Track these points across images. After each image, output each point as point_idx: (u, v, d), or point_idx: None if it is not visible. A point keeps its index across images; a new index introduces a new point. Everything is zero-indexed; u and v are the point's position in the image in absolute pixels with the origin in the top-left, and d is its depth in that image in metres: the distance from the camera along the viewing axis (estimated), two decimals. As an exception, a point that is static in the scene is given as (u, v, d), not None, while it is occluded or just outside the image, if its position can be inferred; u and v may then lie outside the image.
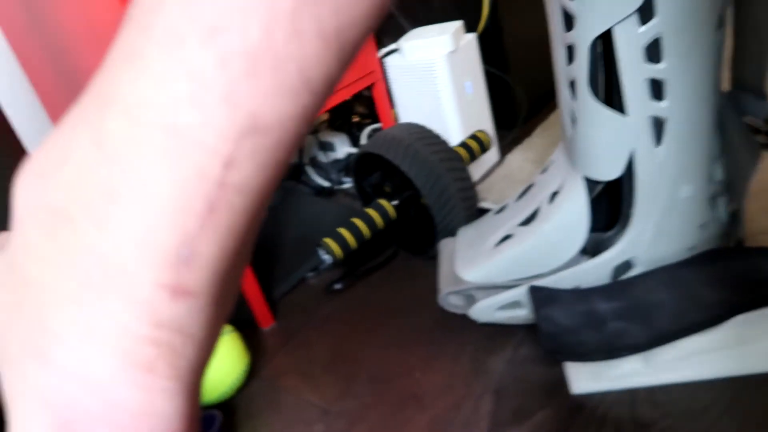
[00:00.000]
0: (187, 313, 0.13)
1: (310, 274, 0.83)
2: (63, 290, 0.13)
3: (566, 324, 0.54)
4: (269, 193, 0.14)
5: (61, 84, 0.72)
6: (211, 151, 0.12)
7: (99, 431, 0.13)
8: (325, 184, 1.07)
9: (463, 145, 0.83)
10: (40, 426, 0.13)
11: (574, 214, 0.59)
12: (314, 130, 1.10)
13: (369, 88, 0.90)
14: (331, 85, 0.14)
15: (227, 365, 0.62)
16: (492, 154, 0.97)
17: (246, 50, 0.12)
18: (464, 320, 0.65)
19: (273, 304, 0.78)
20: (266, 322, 0.75)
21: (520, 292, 0.60)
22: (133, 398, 0.13)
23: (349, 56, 0.14)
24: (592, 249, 0.60)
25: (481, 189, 0.91)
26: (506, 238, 0.64)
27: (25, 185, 0.14)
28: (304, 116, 0.13)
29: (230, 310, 0.16)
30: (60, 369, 0.13)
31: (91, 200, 0.13)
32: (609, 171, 0.55)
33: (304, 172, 1.10)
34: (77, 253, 0.13)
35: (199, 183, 0.12)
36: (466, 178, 0.75)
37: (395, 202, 0.78)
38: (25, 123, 0.73)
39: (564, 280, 0.59)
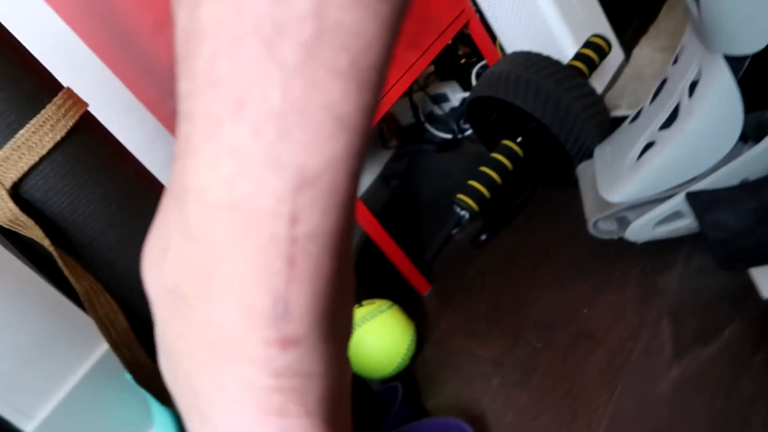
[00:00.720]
0: (299, 358, 0.14)
1: (454, 231, 0.83)
2: (197, 359, 0.15)
3: (738, 226, 0.48)
4: (344, 228, 0.14)
5: (138, 69, 0.77)
6: (273, 215, 0.13)
7: None
8: (448, 136, 1.05)
9: (579, 57, 0.76)
10: None
11: (722, 100, 0.51)
12: (423, 86, 1.09)
13: (466, 26, 0.86)
14: (367, 113, 0.14)
15: (395, 338, 0.65)
16: (615, 55, 0.88)
17: (272, 113, 0.12)
18: (621, 244, 0.61)
19: (425, 268, 0.80)
20: (423, 288, 0.77)
21: (678, 202, 0.55)
22: None
23: (374, 77, 0.13)
24: (753, 133, 0.53)
25: (610, 97, 0.84)
26: (648, 146, 0.58)
27: (146, 272, 0.16)
28: (350, 151, 0.13)
29: (349, 334, 0.17)
30: (215, 425, 0.15)
31: (193, 280, 0.14)
32: (753, 41, 0.47)
33: (425, 131, 1.09)
34: (196, 326, 0.14)
35: (273, 246, 0.13)
36: (590, 92, 0.69)
37: (520, 139, 0.75)
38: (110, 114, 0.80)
39: (726, 177, 0.52)
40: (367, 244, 0.86)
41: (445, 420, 0.53)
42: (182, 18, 0.13)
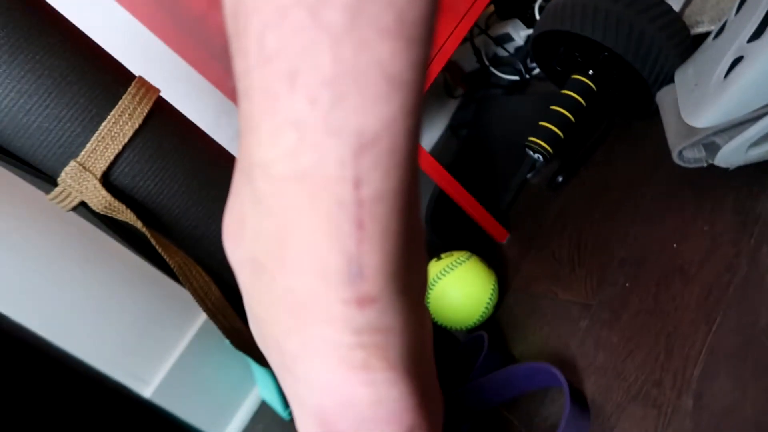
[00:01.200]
0: (377, 315, 0.15)
1: (529, 176, 0.81)
2: (283, 325, 0.16)
3: None
4: (408, 186, 0.15)
5: (201, 49, 0.79)
6: (338, 180, 0.13)
7: (350, 423, 0.16)
8: (515, 78, 1.01)
9: (651, -27, 0.70)
10: (308, 425, 0.17)
11: (820, 0, 0.46)
12: (485, 28, 1.04)
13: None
14: (419, 68, 0.14)
15: (477, 288, 0.65)
16: (693, -35, 0.80)
17: (325, 80, 0.13)
18: (711, 172, 0.57)
19: (502, 216, 0.79)
20: (501, 237, 0.76)
21: (774, 119, 0.50)
22: (363, 393, 0.16)
23: (422, 31, 0.13)
24: None
25: (690, 13, 0.77)
26: (736, 62, 0.53)
27: (227, 246, 0.17)
28: (406, 110, 0.14)
29: (424, 287, 0.17)
30: (305, 382, 0.16)
31: (269, 250, 0.15)
32: None
33: (491, 75, 1.06)
34: (278, 294, 0.15)
35: (340, 210, 0.14)
36: (665, 11, 0.64)
37: (591, 72, 0.71)
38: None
39: (830, 86, 0.47)
40: (441, 197, 0.85)
41: (534, 365, 0.53)
42: (228, 2, 0.13)
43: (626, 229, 0.61)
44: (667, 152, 0.59)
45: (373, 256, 0.14)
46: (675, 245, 0.55)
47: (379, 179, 0.14)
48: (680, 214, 0.57)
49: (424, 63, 0.14)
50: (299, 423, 0.17)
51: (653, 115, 0.67)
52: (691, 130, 0.57)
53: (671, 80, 0.64)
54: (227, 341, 0.57)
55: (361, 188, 0.14)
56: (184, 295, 0.81)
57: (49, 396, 0.72)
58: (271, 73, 0.13)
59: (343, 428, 0.16)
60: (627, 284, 0.56)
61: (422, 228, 0.17)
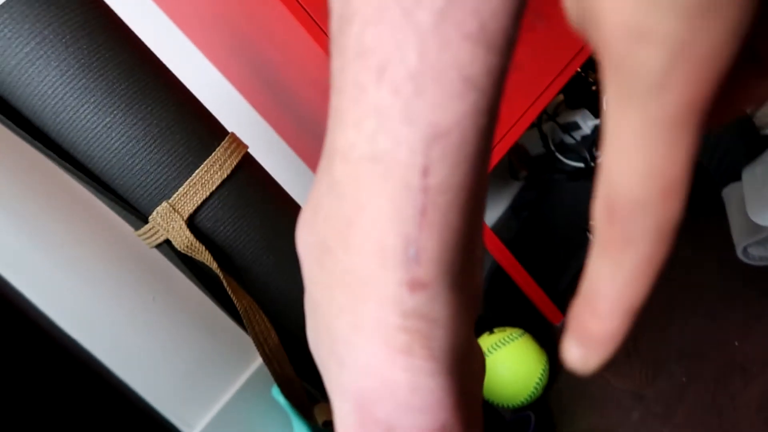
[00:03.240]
0: (427, 301, 0.16)
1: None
2: (338, 303, 0.16)
3: None
4: (473, 185, 0.15)
5: (301, 130, 0.85)
6: (408, 166, 0.14)
7: (385, 407, 0.16)
8: (579, 165, 1.03)
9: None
10: (347, 411, 0.17)
11: None
12: (553, 114, 1.08)
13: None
14: (495, 75, 0.15)
15: (527, 367, 0.64)
16: (766, 71, 0.81)
17: (409, 74, 0.14)
18: (778, 272, 0.56)
19: (558, 298, 0.78)
20: (556, 318, 0.75)
21: None
22: (403, 378, 0.16)
23: (502, 42, 0.15)
24: None
25: (761, 114, 0.78)
26: (806, 165, 0.54)
27: (300, 232, 0.18)
28: (478, 109, 0.15)
29: (476, 297, 0.18)
30: (350, 366, 0.16)
31: (337, 231, 0.16)
32: None
33: (556, 160, 1.08)
34: (338, 273, 0.16)
35: (406, 194, 0.15)
36: (735, 111, 0.65)
37: (657, 163, 0.72)
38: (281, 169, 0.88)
39: None
40: (497, 273, 0.86)
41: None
42: (337, 6, 0.15)
43: (686, 321, 0.60)
44: (732, 248, 0.59)
45: (431, 243, 0.15)
46: (737, 343, 0.54)
47: (446, 170, 0.15)
48: (743, 311, 0.56)
49: (500, 70, 0.15)
50: (338, 416, 0.17)
51: (718, 212, 0.67)
52: (757, 228, 0.56)
53: (738, 178, 0.64)
54: (274, 392, 0.59)
55: (428, 176, 0.14)
56: (242, 341, 0.83)
57: (101, 423, 0.75)
58: (364, 67, 0.14)
59: (380, 413, 0.16)
60: (684, 378, 0.55)
61: (482, 235, 0.18)
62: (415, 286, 0.15)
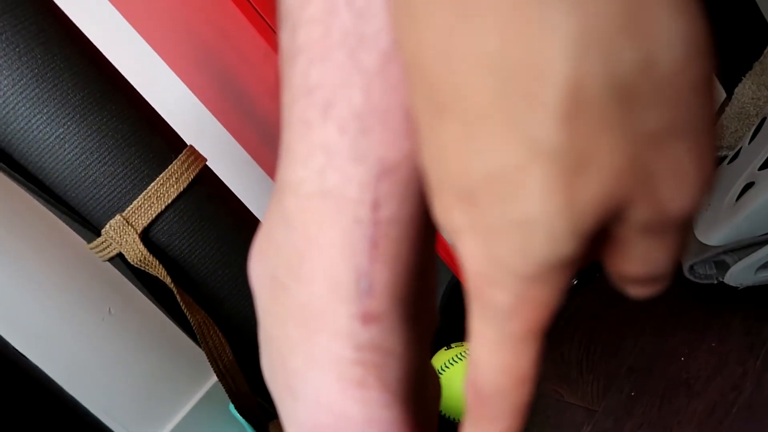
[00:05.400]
0: (379, 334, 0.16)
1: (546, 276, 0.82)
2: (292, 338, 0.16)
3: None
4: (425, 217, 0.16)
5: (264, 141, 0.85)
6: (358, 201, 0.15)
7: None
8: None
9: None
10: None
11: (826, 138, 0.49)
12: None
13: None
14: None
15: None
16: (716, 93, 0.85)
17: (355, 113, 0.14)
18: (721, 290, 0.58)
19: (516, 313, 0.80)
20: (513, 332, 0.76)
21: (782, 245, 0.52)
22: (357, 411, 0.16)
23: None
24: None
25: (710, 138, 0.81)
26: (747, 187, 0.56)
27: (253, 262, 0.18)
28: None
29: (431, 327, 0.18)
30: (305, 400, 0.16)
31: (289, 264, 0.16)
32: None
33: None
34: (291, 307, 0.16)
35: (357, 227, 0.15)
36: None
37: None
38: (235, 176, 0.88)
39: (835, 219, 0.49)
40: (456, 287, 0.87)
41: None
42: (285, 40, 0.16)
43: (635, 337, 0.62)
44: (679, 267, 0.61)
45: (383, 275, 0.15)
46: (683, 358, 0.56)
47: (396, 204, 0.15)
48: (689, 328, 0.58)
49: None
50: None
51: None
52: (703, 247, 0.58)
53: (687, 198, 0.66)
54: (230, 408, 0.58)
55: (378, 210, 0.15)
56: (198, 356, 0.82)
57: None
58: (310, 104, 0.15)
59: None
60: (632, 393, 0.56)
61: (435, 267, 0.18)
62: (367, 318, 0.15)
